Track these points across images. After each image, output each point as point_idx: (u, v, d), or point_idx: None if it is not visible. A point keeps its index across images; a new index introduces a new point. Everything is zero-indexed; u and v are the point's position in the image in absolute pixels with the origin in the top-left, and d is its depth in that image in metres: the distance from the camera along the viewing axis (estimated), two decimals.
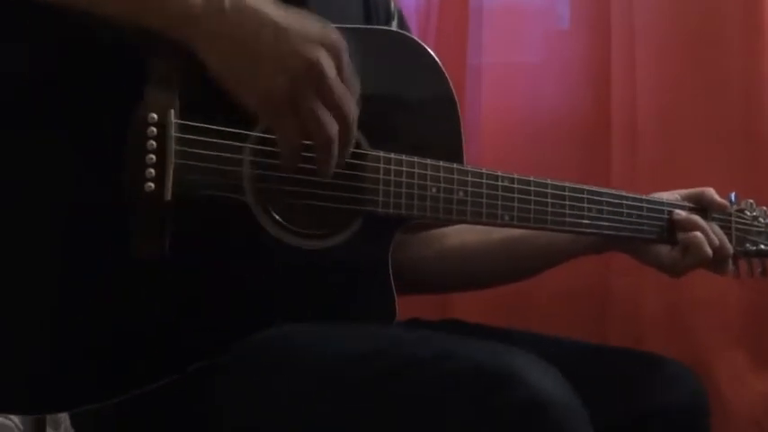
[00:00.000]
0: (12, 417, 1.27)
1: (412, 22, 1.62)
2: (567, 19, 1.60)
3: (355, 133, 0.83)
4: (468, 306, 1.42)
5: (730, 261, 1.11)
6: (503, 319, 1.31)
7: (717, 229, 1.10)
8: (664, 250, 1.09)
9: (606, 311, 1.50)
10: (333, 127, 0.80)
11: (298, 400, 0.80)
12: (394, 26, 1.14)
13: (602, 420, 0.97)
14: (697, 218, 1.08)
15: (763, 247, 1.15)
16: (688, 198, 1.12)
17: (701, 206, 1.11)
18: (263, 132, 0.86)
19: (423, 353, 0.77)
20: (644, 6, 1.49)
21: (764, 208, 1.18)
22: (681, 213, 1.08)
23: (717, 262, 1.08)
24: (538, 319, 1.45)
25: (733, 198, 1.16)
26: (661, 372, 1.04)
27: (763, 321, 1.44)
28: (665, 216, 1.08)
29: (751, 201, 1.17)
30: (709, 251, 1.05)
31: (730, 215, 1.13)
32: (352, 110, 0.82)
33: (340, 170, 0.89)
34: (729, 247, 1.09)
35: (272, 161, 0.86)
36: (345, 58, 0.81)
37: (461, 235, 1.17)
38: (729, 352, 1.43)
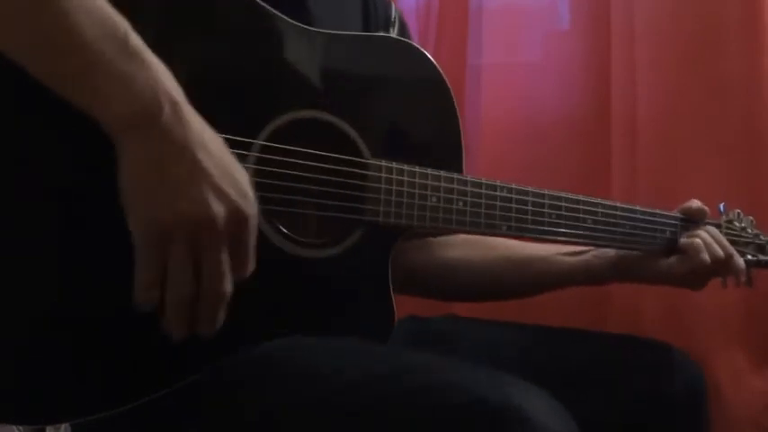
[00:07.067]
0: None
1: (412, 22, 1.62)
2: (567, 19, 1.61)
3: (217, 321, 0.76)
4: (467, 304, 1.42)
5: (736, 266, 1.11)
6: (502, 318, 1.31)
7: (714, 232, 1.10)
8: (662, 262, 1.09)
9: (606, 311, 1.50)
10: (183, 288, 0.73)
11: (295, 418, 0.80)
12: (393, 33, 1.13)
13: (604, 406, 1.00)
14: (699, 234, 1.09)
15: (750, 257, 1.15)
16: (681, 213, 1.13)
17: (693, 219, 1.12)
18: (268, 141, 0.86)
19: (427, 383, 0.76)
20: (644, 7, 1.49)
21: (751, 218, 1.19)
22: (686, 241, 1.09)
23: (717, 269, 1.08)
24: (538, 319, 1.45)
25: (722, 209, 1.16)
26: (661, 357, 1.06)
27: (762, 321, 1.45)
28: (659, 227, 1.09)
29: (738, 210, 1.18)
30: (706, 258, 1.06)
31: (720, 226, 1.14)
32: (219, 292, 0.74)
33: (343, 179, 0.90)
34: (731, 251, 1.09)
35: (275, 170, 0.86)
36: (249, 234, 0.75)
37: (465, 249, 1.17)
38: (729, 351, 1.44)
